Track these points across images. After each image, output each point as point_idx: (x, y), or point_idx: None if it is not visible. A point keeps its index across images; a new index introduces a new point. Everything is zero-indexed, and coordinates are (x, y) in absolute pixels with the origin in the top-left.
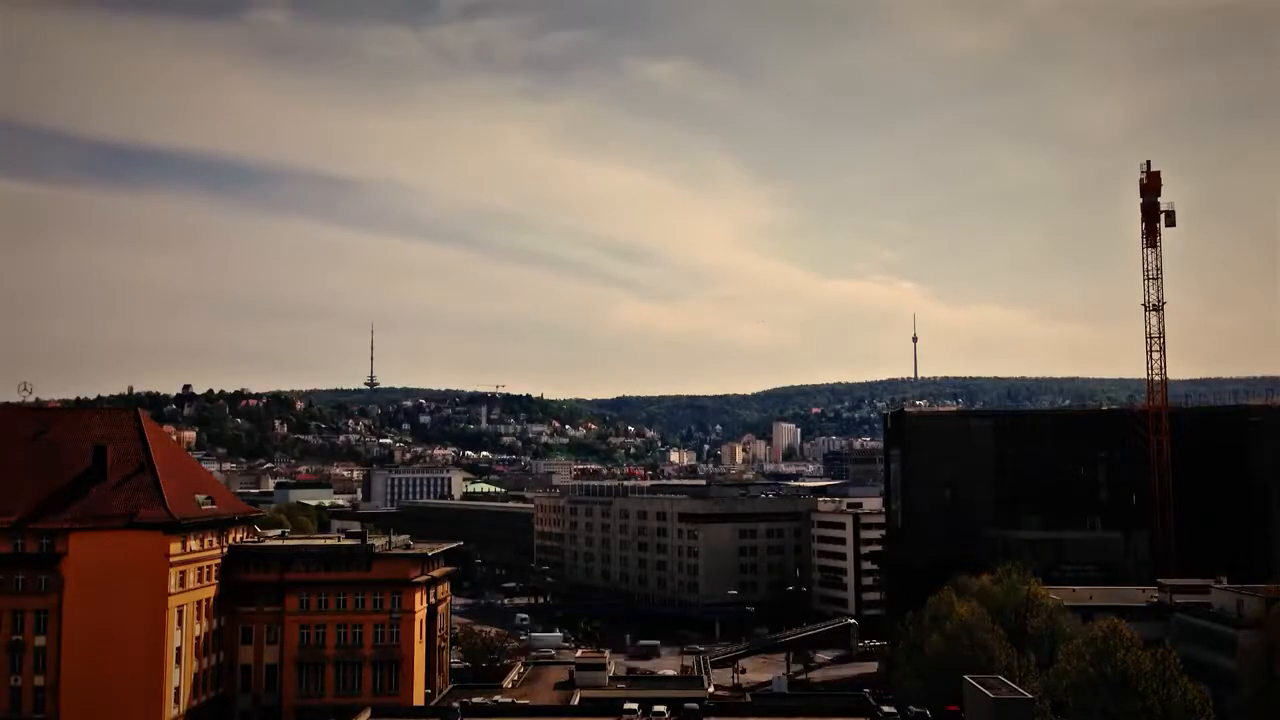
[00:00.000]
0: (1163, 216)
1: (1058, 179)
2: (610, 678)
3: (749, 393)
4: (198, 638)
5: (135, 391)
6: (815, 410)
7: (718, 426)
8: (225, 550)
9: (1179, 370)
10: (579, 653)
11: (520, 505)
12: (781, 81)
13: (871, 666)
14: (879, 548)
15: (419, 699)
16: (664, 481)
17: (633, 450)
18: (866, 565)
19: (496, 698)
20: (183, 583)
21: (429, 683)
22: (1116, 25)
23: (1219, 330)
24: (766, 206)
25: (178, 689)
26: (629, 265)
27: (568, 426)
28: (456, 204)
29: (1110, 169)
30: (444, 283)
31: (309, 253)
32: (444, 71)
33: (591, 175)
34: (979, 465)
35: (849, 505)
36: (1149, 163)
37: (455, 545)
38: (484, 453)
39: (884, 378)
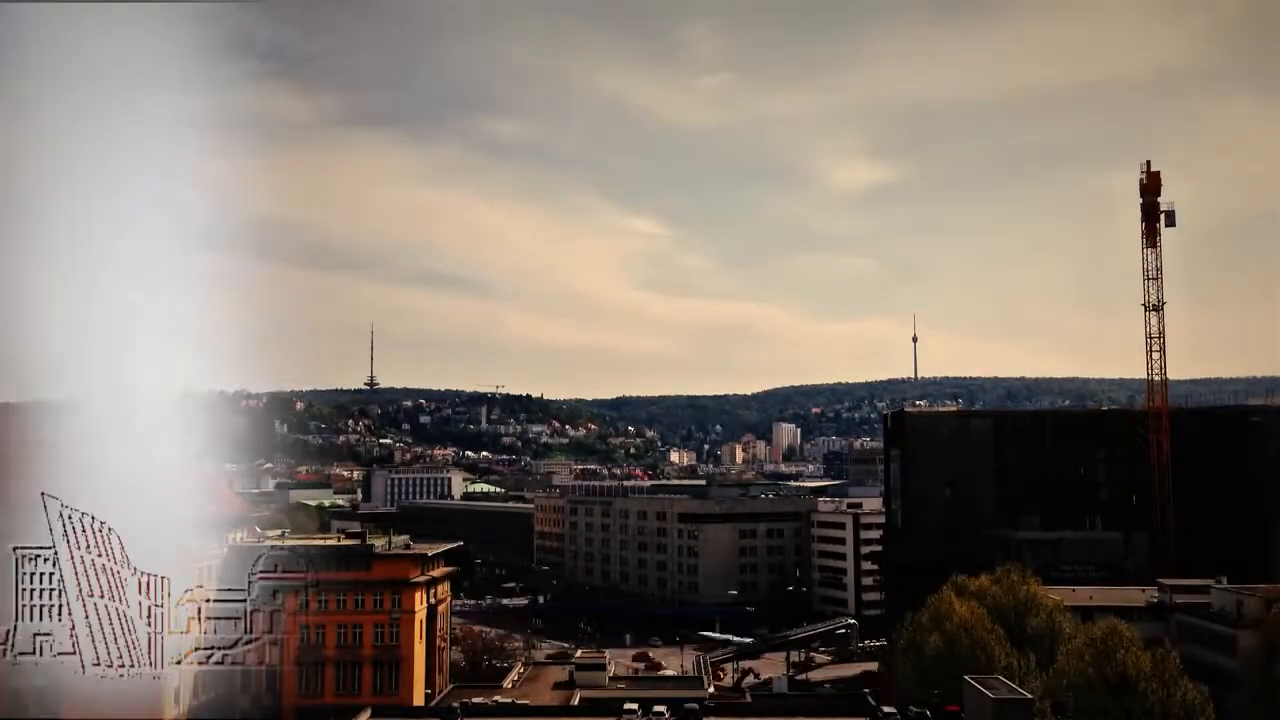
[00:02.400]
0: (1162, 216)
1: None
2: (610, 678)
3: (749, 393)
4: None
5: None
6: (815, 410)
7: (718, 426)
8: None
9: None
10: (579, 653)
11: (520, 505)
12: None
13: (871, 666)
14: (879, 548)
15: (419, 699)
16: (664, 481)
17: (633, 450)
18: (866, 565)
19: (496, 698)
20: None
21: (429, 683)
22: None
23: (1219, 330)
24: (639, 236)
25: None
26: (517, 283)
27: (568, 426)
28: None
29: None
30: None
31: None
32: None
33: (462, 210)
34: (979, 465)
35: (849, 505)
36: (1149, 163)
37: (455, 545)
38: (484, 453)
39: (884, 378)
